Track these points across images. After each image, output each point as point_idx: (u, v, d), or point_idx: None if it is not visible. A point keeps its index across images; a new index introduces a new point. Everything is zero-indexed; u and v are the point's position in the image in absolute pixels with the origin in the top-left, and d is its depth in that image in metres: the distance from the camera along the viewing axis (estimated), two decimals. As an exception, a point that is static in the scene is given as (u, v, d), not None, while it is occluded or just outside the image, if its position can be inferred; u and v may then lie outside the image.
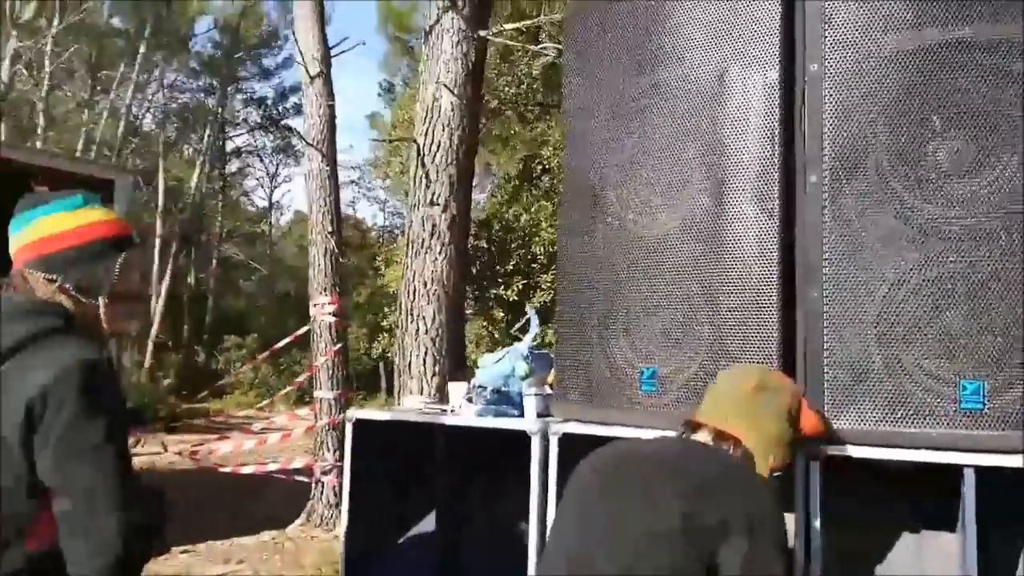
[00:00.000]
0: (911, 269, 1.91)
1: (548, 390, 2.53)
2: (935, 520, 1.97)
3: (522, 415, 2.47)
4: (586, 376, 2.34)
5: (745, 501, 1.50)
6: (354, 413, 2.61)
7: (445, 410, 2.62)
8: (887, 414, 1.90)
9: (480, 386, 2.47)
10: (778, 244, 2.04)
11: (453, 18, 4.90)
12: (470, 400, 2.51)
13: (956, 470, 1.82)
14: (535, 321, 2.72)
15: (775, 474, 1.73)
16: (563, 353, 2.42)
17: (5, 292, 1.51)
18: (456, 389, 2.80)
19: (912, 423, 1.88)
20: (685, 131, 2.23)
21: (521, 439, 2.30)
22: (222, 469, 7.50)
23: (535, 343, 2.64)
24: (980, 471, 1.79)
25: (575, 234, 2.46)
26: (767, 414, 1.72)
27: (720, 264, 2.11)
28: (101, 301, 1.55)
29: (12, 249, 1.55)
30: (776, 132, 2.06)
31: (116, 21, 22.05)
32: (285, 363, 20.83)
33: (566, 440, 2.24)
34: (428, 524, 2.51)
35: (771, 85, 2.09)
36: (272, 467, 7.44)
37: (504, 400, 2.48)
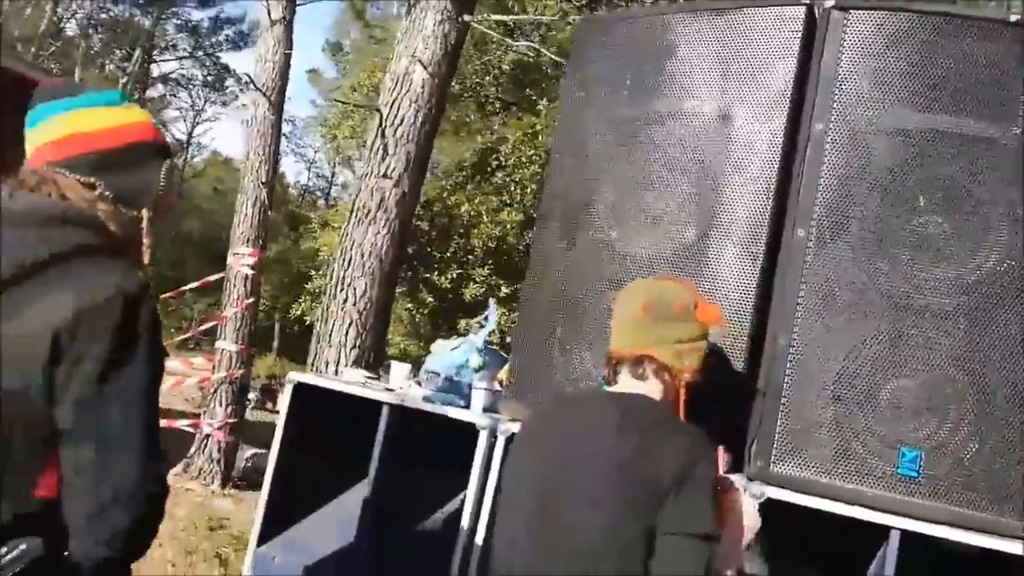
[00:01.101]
0: (874, 335, 2.01)
1: (497, 386, 2.53)
2: (852, 571, 2.07)
3: (467, 407, 2.47)
4: (542, 381, 2.35)
5: (676, 461, 1.53)
6: (295, 376, 2.54)
7: (389, 388, 2.59)
8: (829, 467, 2.00)
9: (433, 371, 2.45)
10: (756, 287, 2.11)
11: (440, -4, 4.84)
12: (419, 383, 2.49)
13: (883, 530, 1.92)
14: (494, 315, 2.72)
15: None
16: (522, 354, 2.43)
17: (12, 192, 1.24)
18: (398, 370, 2.77)
19: (851, 479, 1.98)
20: (682, 162, 2.27)
21: (460, 431, 2.30)
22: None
23: (491, 338, 2.64)
24: (905, 535, 1.90)
25: (554, 239, 2.47)
26: (664, 323, 1.75)
27: (696, 296, 2.16)
28: (145, 214, 1.33)
29: (31, 144, 1.31)
30: (773, 181, 2.13)
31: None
32: (175, 307, 20.03)
33: (512, 440, 2.24)
34: (355, 499, 2.47)
35: (775, 134, 2.15)
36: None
37: (454, 389, 2.47)
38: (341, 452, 2.60)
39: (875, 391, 1.99)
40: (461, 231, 11.32)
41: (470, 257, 11.31)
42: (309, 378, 2.53)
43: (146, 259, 1.35)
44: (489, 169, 11.75)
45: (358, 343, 5.02)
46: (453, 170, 12.55)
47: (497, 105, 12.28)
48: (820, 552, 2.14)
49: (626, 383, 1.75)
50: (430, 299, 11.48)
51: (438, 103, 5.09)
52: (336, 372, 4.55)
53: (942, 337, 1.98)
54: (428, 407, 2.38)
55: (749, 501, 1.77)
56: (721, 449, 1.82)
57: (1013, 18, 2.08)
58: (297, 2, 7.48)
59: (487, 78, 12.00)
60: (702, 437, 1.62)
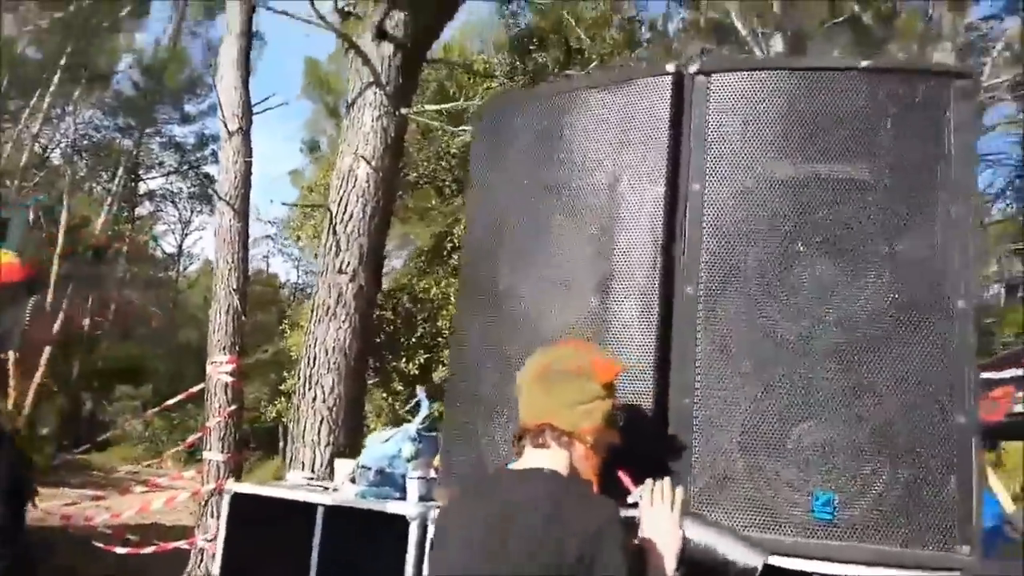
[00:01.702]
0: (773, 382, 2.04)
1: (433, 474, 2.54)
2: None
3: (404, 498, 2.48)
4: (469, 464, 2.37)
5: (581, 537, 1.52)
6: (232, 486, 2.56)
7: (328, 488, 2.60)
8: (746, 519, 2.00)
9: (364, 466, 2.47)
10: (655, 348, 2.15)
11: (376, 92, 5.01)
12: (353, 480, 2.50)
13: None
14: (425, 403, 2.75)
15: (612, 444, 1.78)
16: (449, 437, 2.45)
17: None
18: (342, 467, 2.79)
19: (768, 529, 1.98)
20: (580, 232, 2.35)
21: (398, 524, 2.31)
22: (95, 544, 7.05)
23: (425, 424, 2.66)
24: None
25: (470, 318, 2.53)
26: (558, 388, 1.75)
27: (602, 363, 2.19)
28: (11, 356, 1.36)
29: None
30: (659, 243, 2.19)
31: (30, 52, 21.35)
32: (179, 418, 19.97)
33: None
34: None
35: (658, 199, 2.23)
36: (150, 549, 7.04)
37: (387, 481, 2.48)
38: (289, 558, 2.59)
39: (782, 437, 2.02)
40: (426, 315, 11.41)
41: (439, 339, 11.37)
42: (245, 487, 2.55)
43: (11, 402, 1.37)
44: (445, 252, 11.92)
45: (331, 440, 5.01)
46: (414, 256, 12.74)
47: (454, 188, 12.55)
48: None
49: (529, 456, 1.74)
50: (400, 387, 11.50)
51: (385, 195, 5.21)
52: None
53: (839, 376, 2.02)
54: (361, 504, 2.39)
55: (666, 521, 1.73)
56: (621, 474, 1.80)
57: (863, 64, 2.17)
58: (254, 112, 7.66)
59: (440, 164, 12.28)
60: (605, 502, 1.62)
